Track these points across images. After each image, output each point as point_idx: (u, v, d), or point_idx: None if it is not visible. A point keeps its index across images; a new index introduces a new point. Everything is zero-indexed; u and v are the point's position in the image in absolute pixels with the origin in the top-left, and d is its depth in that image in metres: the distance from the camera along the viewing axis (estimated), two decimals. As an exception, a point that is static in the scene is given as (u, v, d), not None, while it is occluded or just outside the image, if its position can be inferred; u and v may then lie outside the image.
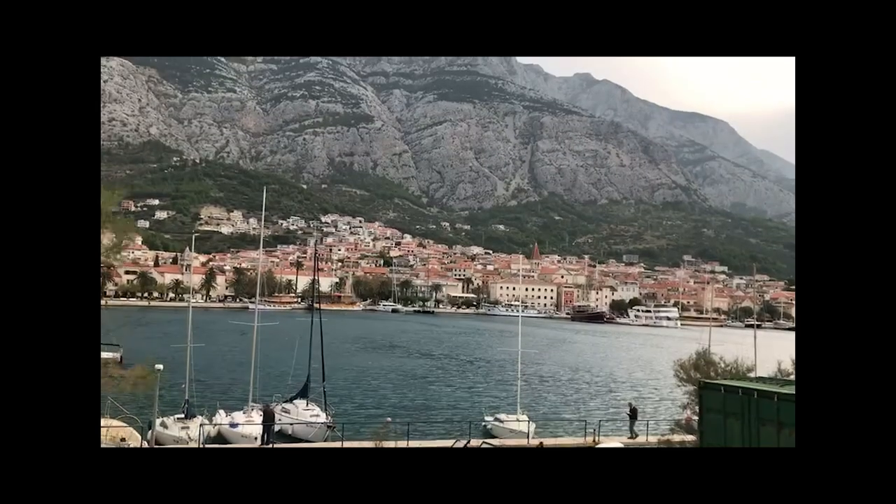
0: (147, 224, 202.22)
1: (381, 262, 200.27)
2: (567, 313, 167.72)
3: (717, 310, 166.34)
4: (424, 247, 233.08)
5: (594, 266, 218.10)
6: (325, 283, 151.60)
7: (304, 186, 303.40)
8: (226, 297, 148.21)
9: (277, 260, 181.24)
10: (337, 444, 21.35)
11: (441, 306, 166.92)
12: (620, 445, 21.45)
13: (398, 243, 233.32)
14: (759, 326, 67.03)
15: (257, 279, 52.75)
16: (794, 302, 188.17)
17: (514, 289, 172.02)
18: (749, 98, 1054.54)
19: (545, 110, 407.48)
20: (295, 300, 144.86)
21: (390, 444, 19.43)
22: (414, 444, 21.00)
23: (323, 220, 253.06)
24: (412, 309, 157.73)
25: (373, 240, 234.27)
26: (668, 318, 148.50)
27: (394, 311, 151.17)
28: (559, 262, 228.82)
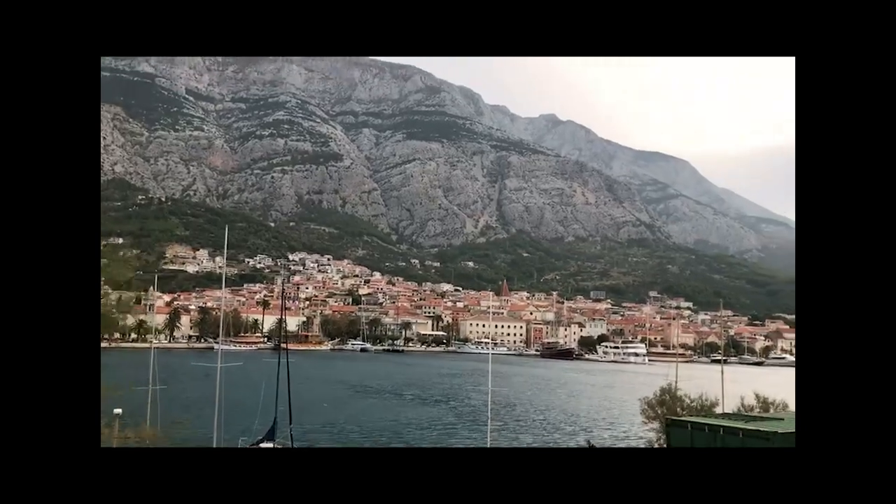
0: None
1: (350, 300, 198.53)
2: (537, 350, 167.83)
3: (684, 345, 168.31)
4: (394, 284, 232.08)
5: (562, 302, 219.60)
6: (293, 323, 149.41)
7: (272, 224, 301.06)
8: (190, 336, 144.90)
9: (244, 299, 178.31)
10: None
11: (411, 344, 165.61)
12: None
13: (367, 281, 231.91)
14: (725, 362, 67.88)
15: (221, 318, 51.84)
16: (757, 337, 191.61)
17: (483, 326, 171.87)
18: (708, 138, 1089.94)
19: (512, 150, 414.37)
20: (261, 340, 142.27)
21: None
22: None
23: (290, 258, 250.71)
24: (381, 348, 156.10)
25: (341, 278, 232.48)
26: (636, 355, 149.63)
27: (363, 350, 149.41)
28: (528, 298, 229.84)
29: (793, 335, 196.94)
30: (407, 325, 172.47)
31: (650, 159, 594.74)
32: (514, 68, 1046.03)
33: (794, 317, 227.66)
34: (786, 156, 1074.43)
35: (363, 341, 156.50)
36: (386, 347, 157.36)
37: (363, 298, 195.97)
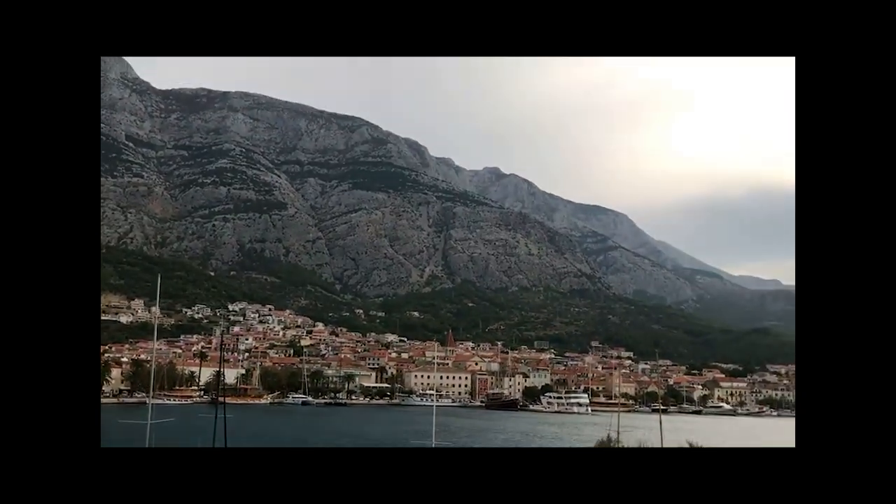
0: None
1: (291, 351, 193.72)
2: (482, 401, 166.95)
3: (625, 395, 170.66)
4: (337, 335, 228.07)
5: (507, 353, 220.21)
6: (231, 375, 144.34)
7: (212, 273, 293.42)
8: (121, 391, 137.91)
9: (180, 350, 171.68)
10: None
11: (354, 397, 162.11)
12: None
13: (310, 331, 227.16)
14: (664, 411, 69.33)
15: (152, 371, 49.68)
16: (695, 386, 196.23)
17: (428, 377, 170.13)
18: (645, 192, 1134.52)
19: (457, 201, 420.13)
20: (197, 393, 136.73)
21: None
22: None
23: (230, 308, 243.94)
24: (323, 401, 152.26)
25: (283, 328, 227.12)
26: (579, 405, 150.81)
27: (304, 403, 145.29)
28: (473, 348, 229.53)
29: (728, 384, 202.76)
30: (350, 377, 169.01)
31: (590, 212, 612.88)
32: (458, 122, 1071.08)
33: (729, 366, 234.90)
34: (715, 209, 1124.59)
35: (305, 394, 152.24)
36: (328, 400, 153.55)
37: (305, 350, 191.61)
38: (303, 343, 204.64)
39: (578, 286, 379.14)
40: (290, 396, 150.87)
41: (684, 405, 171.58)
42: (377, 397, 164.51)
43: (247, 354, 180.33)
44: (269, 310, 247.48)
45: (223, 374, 44.22)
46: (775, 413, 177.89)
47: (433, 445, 30.03)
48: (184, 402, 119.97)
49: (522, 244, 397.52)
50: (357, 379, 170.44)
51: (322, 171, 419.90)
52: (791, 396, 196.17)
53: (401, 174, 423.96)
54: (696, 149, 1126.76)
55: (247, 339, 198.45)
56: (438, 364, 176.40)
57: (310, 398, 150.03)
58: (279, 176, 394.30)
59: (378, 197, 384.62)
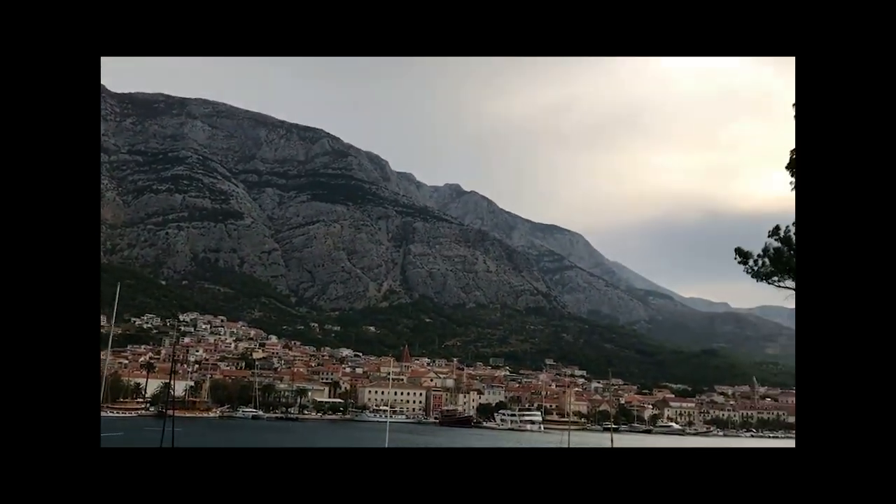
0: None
1: (243, 364, 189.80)
2: (436, 418, 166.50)
3: (578, 413, 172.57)
4: (290, 348, 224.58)
5: (462, 369, 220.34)
6: (180, 387, 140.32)
7: (163, 283, 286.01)
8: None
9: (127, 361, 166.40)
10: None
11: (306, 412, 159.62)
12: None
13: (262, 344, 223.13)
14: (615, 430, 70.55)
15: (102, 383, 48.19)
16: (646, 406, 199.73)
17: (383, 393, 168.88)
18: (601, 214, 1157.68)
19: (417, 216, 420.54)
20: (143, 406, 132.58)
21: None
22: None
23: (181, 318, 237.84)
24: (274, 415, 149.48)
25: (235, 340, 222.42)
26: (532, 423, 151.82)
27: (254, 417, 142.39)
28: (429, 364, 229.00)
29: (678, 404, 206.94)
30: (302, 392, 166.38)
31: (547, 231, 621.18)
32: (420, 138, 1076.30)
33: (679, 386, 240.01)
34: (669, 232, 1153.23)
35: (255, 408, 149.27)
36: (279, 415, 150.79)
37: (257, 363, 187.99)
38: (255, 356, 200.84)
39: (534, 304, 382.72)
40: (240, 410, 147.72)
41: (635, 424, 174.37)
42: (330, 412, 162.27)
43: (197, 366, 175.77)
44: (222, 321, 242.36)
45: (173, 385, 42.99)
46: (721, 433, 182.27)
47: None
48: (128, 414, 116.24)
49: (481, 261, 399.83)
50: (310, 393, 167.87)
51: (281, 181, 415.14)
52: (736, 417, 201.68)
53: (361, 187, 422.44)
54: (652, 172, 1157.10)
55: (197, 351, 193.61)
56: (393, 380, 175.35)
57: (260, 412, 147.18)
58: (236, 185, 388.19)
59: (337, 209, 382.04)
